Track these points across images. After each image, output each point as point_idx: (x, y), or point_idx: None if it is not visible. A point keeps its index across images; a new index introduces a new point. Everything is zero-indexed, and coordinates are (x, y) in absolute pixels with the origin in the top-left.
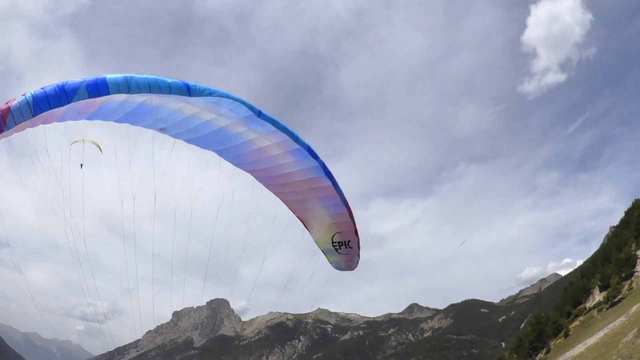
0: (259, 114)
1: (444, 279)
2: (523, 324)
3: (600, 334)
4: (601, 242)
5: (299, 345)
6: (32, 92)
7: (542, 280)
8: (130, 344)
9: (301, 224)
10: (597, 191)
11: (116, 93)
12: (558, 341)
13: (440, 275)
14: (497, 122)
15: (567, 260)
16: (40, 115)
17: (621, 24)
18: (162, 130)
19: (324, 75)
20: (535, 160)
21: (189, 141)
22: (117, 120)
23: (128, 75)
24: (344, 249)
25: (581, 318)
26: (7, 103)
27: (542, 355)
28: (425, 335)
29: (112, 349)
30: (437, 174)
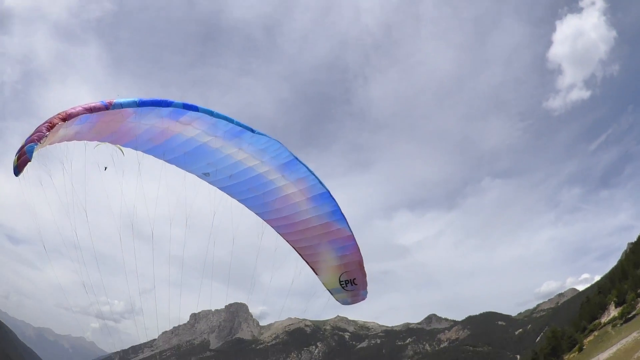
0: (296, 159)
1: (464, 290)
2: (539, 338)
3: (614, 349)
4: (619, 258)
5: (316, 352)
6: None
7: (560, 295)
8: (145, 344)
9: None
10: (617, 208)
11: (197, 120)
12: (572, 356)
13: (460, 287)
14: (523, 138)
15: (585, 275)
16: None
17: None
18: (206, 175)
19: (353, 88)
20: (559, 176)
21: (223, 188)
22: (170, 160)
23: (214, 111)
24: (350, 286)
25: (596, 333)
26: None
27: None
28: (442, 345)
29: (126, 347)
30: (462, 188)
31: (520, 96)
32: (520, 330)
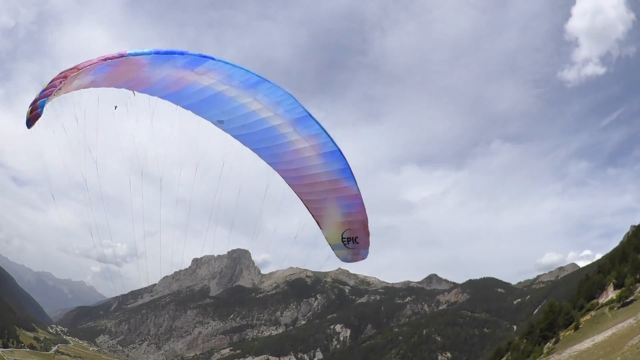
0: (309, 115)
1: (466, 252)
2: (537, 310)
3: (609, 332)
4: (621, 239)
5: (315, 304)
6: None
7: (560, 269)
8: (145, 289)
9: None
10: (623, 188)
11: (213, 71)
12: (567, 333)
13: (463, 249)
14: (535, 105)
15: (587, 252)
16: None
17: None
18: (220, 122)
19: (370, 39)
20: (568, 147)
21: (237, 136)
22: (185, 106)
23: (229, 62)
24: (352, 244)
25: (593, 313)
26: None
27: (551, 344)
28: (440, 307)
29: (125, 292)
30: (471, 148)
31: (536, 63)
32: (519, 300)
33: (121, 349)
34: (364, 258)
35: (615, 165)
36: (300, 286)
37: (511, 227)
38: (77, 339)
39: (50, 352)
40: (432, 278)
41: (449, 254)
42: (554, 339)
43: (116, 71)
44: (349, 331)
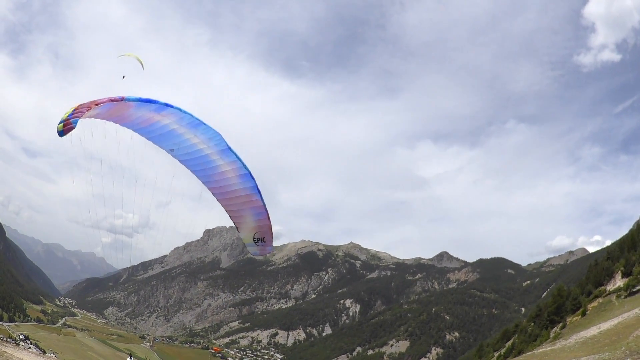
0: (229, 148)
1: (477, 231)
2: (545, 293)
3: (615, 321)
4: (631, 227)
5: (326, 278)
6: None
7: (570, 253)
8: (155, 260)
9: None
10: (635, 175)
11: (171, 114)
12: (575, 319)
13: (474, 227)
14: (551, 87)
15: (597, 237)
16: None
17: None
18: (171, 150)
19: (388, 13)
20: (582, 131)
21: (182, 161)
22: (149, 138)
23: (183, 109)
24: (260, 242)
25: (600, 300)
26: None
27: (558, 329)
28: (450, 286)
29: (136, 263)
30: (487, 127)
31: (553, 45)
32: (528, 282)
33: (129, 321)
34: (269, 252)
35: (627, 152)
36: (311, 259)
37: (523, 208)
38: (85, 312)
39: (57, 325)
40: (443, 256)
41: (461, 232)
42: (561, 324)
43: (114, 109)
44: (358, 306)
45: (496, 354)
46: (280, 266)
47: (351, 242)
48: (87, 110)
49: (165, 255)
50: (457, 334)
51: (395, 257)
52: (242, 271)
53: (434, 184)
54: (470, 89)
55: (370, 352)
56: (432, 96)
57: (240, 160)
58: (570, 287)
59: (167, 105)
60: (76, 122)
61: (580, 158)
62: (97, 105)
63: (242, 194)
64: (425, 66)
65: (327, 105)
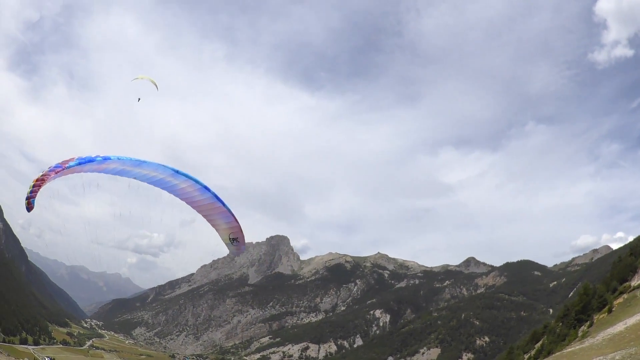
0: (177, 172)
1: (503, 235)
2: (572, 293)
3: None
4: None
5: (355, 289)
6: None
7: (594, 251)
8: (182, 278)
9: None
10: None
11: (114, 162)
12: (601, 316)
13: (500, 231)
14: (568, 86)
15: (620, 234)
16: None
17: None
18: (134, 179)
19: (405, 20)
20: (600, 129)
21: (152, 183)
22: (129, 177)
23: (121, 156)
24: (235, 242)
25: (625, 296)
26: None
27: (585, 328)
28: (478, 291)
29: (163, 283)
30: (507, 130)
31: (567, 45)
32: (555, 282)
33: (158, 340)
34: (243, 251)
35: None
36: (339, 272)
37: (547, 209)
38: (112, 333)
39: (84, 347)
40: (470, 261)
41: (487, 237)
42: (588, 322)
43: (64, 173)
44: (388, 316)
45: (526, 356)
46: (308, 280)
47: (378, 252)
48: (39, 189)
49: (192, 274)
50: (487, 339)
51: (422, 265)
52: (271, 286)
53: (458, 190)
54: (488, 92)
55: None
56: (451, 102)
57: (192, 178)
58: (596, 285)
59: (105, 158)
60: (34, 202)
61: (599, 156)
62: (45, 180)
63: (206, 204)
64: (443, 72)
65: (347, 116)
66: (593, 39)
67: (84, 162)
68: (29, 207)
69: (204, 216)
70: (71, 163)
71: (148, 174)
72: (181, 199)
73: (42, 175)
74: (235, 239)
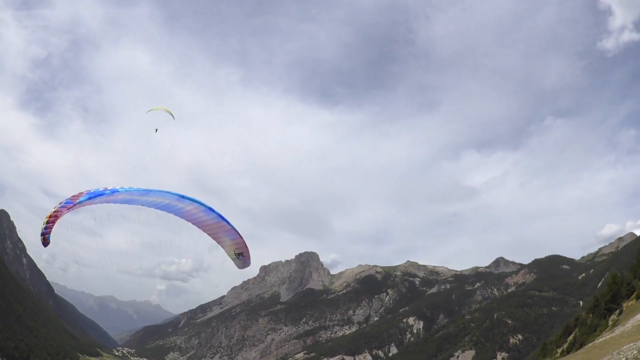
0: (182, 196)
1: (530, 232)
2: (600, 283)
3: None
4: None
5: (387, 299)
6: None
7: (620, 239)
8: (213, 301)
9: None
10: None
11: (122, 194)
12: (630, 303)
13: (527, 229)
14: (582, 77)
15: None
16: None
17: None
18: (142, 205)
19: (415, 28)
20: (616, 117)
21: (160, 208)
22: (137, 205)
23: (129, 188)
24: (241, 257)
25: None
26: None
27: (615, 316)
28: (509, 290)
29: (194, 307)
30: (526, 127)
31: (576, 35)
32: (583, 274)
33: None
34: (249, 265)
35: None
36: (370, 283)
37: (571, 202)
38: (145, 359)
39: None
40: (499, 261)
41: (514, 235)
42: (618, 311)
43: (76, 208)
44: (421, 323)
45: (559, 350)
46: (340, 293)
47: (408, 261)
48: (53, 225)
49: (223, 296)
50: (520, 337)
51: (453, 270)
52: (303, 303)
53: (483, 192)
54: (505, 91)
55: None
56: (469, 104)
57: (197, 201)
58: (624, 273)
59: (113, 191)
60: (49, 237)
61: (618, 144)
62: (58, 216)
63: (211, 223)
64: (458, 75)
65: (367, 129)
66: (600, 27)
67: (94, 197)
68: (45, 242)
69: (210, 235)
70: (82, 198)
71: (155, 200)
72: (188, 221)
73: (54, 212)
74: (240, 253)
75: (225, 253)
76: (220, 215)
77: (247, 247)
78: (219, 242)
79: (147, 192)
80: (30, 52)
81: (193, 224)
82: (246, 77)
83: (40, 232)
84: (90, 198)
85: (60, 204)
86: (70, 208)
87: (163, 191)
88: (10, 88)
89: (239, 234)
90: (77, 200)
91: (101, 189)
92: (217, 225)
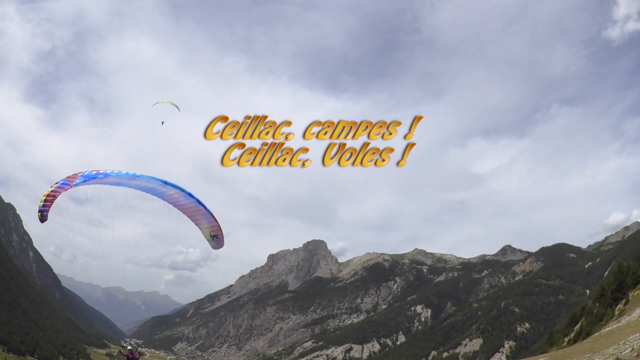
0: (166, 182)
1: (537, 220)
2: (607, 272)
3: None
4: None
5: (394, 287)
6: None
7: (626, 228)
8: (221, 290)
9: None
10: None
11: (113, 177)
12: (636, 292)
13: (534, 216)
14: (587, 66)
15: None
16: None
17: None
18: (129, 187)
19: (421, 15)
20: (621, 105)
21: (145, 191)
22: (125, 187)
23: (120, 172)
24: (216, 239)
25: None
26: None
27: (621, 306)
28: (516, 278)
29: (202, 296)
30: (532, 114)
31: (581, 24)
32: (590, 263)
33: (200, 354)
34: (222, 246)
35: None
36: (378, 271)
37: (577, 190)
38: (153, 350)
39: None
40: (506, 249)
41: (521, 223)
42: (624, 300)
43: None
44: (429, 311)
45: (566, 339)
46: (348, 281)
47: (415, 249)
48: (51, 204)
49: (231, 285)
50: (527, 325)
51: (460, 257)
52: (311, 291)
53: (490, 180)
54: (511, 79)
55: (445, 354)
56: (475, 92)
57: (178, 187)
58: (630, 262)
59: (106, 174)
60: (47, 215)
61: (623, 132)
62: (56, 196)
63: (190, 207)
64: (464, 63)
65: (374, 116)
66: (605, 16)
67: (88, 179)
68: (43, 219)
69: (190, 217)
70: (77, 181)
71: (141, 184)
72: (170, 203)
73: (52, 191)
74: (215, 235)
75: (202, 234)
76: (198, 201)
77: (221, 230)
78: (196, 224)
79: (135, 176)
80: (34, 45)
81: (174, 206)
82: (252, 65)
83: (37, 209)
84: (85, 180)
85: (57, 184)
86: (67, 189)
87: (149, 177)
88: (15, 81)
89: (214, 217)
90: (74, 183)
91: (94, 172)
92: (195, 209)
